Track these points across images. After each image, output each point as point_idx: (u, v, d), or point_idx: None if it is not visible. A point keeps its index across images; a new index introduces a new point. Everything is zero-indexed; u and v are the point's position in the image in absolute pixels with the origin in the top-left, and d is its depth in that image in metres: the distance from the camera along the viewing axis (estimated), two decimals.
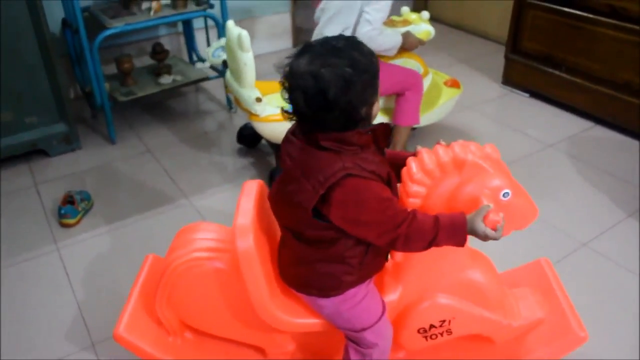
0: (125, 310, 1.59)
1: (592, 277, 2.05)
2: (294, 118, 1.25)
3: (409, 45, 2.50)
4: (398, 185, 1.37)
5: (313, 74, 1.15)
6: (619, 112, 2.94)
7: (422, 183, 1.31)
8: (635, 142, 2.90)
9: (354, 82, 1.16)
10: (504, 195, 1.29)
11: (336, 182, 1.17)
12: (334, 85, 1.14)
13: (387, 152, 1.38)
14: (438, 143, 1.35)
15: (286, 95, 1.21)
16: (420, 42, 2.57)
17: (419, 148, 1.37)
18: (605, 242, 2.22)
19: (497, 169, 1.30)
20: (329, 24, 2.40)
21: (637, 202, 2.44)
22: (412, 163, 1.33)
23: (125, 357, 1.62)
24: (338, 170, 1.18)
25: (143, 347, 1.56)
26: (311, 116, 1.19)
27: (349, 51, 1.18)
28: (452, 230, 1.23)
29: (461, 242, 1.25)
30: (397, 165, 1.36)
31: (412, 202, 1.33)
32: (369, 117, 1.24)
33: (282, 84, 1.21)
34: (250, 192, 1.44)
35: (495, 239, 1.23)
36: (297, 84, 1.17)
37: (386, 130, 1.29)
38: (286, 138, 1.30)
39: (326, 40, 1.20)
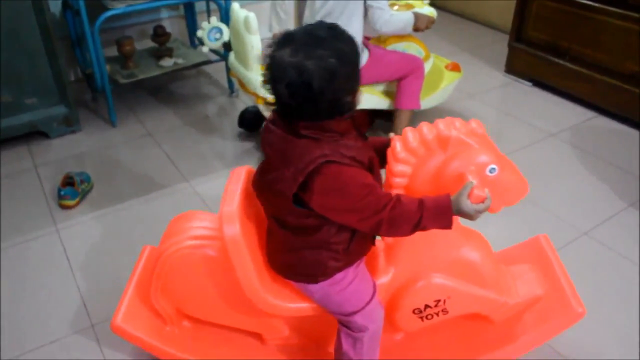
0: (123, 301, 1.59)
1: (593, 266, 2.05)
2: (276, 108, 1.25)
3: (420, 23, 2.50)
4: (384, 170, 1.36)
5: (297, 66, 1.13)
6: (623, 102, 2.92)
7: (407, 162, 1.30)
8: (637, 133, 2.89)
9: (338, 73, 1.15)
10: (490, 170, 1.27)
11: (315, 169, 1.17)
12: (318, 77, 1.13)
13: (368, 139, 1.37)
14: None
15: (268, 86, 1.20)
16: (431, 21, 2.56)
17: (392, 135, 1.37)
18: (606, 231, 2.22)
19: (482, 144, 1.29)
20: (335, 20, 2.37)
21: (638, 192, 2.43)
22: (396, 142, 1.32)
23: (125, 340, 1.61)
24: (317, 157, 1.17)
25: (141, 336, 1.57)
26: (295, 107, 1.18)
27: (333, 41, 1.17)
28: (437, 212, 1.22)
29: (447, 224, 1.24)
30: (378, 150, 1.36)
31: (398, 182, 1.32)
32: (353, 105, 1.24)
33: (264, 75, 1.20)
34: (238, 178, 1.43)
35: (482, 212, 1.23)
36: (280, 76, 1.15)
37: (365, 117, 1.29)
38: (266, 127, 1.29)
39: (309, 30, 1.19)
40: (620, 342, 1.76)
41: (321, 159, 1.17)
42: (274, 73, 1.17)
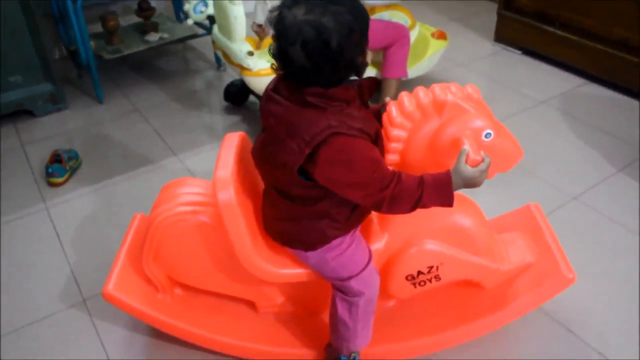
0: (114, 269, 1.59)
1: (582, 229, 2.06)
2: (285, 73, 1.19)
3: None
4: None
5: (314, 24, 1.08)
6: (612, 68, 2.91)
7: (403, 126, 1.29)
8: (626, 99, 2.88)
9: (354, 30, 1.11)
10: (486, 135, 1.27)
11: (323, 140, 1.14)
12: (337, 34, 1.09)
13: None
14: None
15: (277, 50, 1.14)
16: None
17: (388, 99, 1.35)
18: (595, 195, 2.23)
19: (478, 109, 1.28)
20: None
21: (627, 158, 2.44)
22: (392, 107, 1.31)
23: (116, 312, 1.62)
24: (324, 128, 1.14)
25: (132, 304, 1.56)
26: (310, 69, 1.13)
27: None
28: (437, 188, 1.21)
29: (448, 201, 1.22)
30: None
31: (394, 147, 1.31)
32: (364, 65, 1.21)
33: (274, 37, 1.14)
34: (231, 144, 1.41)
35: (485, 171, 1.22)
36: (294, 37, 1.10)
37: (372, 84, 1.26)
38: (267, 96, 1.24)
39: None
40: (610, 303, 1.78)
41: (328, 131, 1.13)
42: (286, 34, 1.10)
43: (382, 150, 1.28)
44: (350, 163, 1.17)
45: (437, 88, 1.29)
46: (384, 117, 1.32)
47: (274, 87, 1.24)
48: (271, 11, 1.16)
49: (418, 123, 1.29)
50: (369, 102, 1.31)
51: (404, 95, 1.31)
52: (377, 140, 1.24)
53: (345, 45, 1.11)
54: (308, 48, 1.10)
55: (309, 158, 1.17)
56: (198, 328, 1.59)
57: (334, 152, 1.15)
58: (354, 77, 1.23)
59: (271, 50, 1.17)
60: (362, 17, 1.15)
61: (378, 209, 1.24)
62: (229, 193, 1.30)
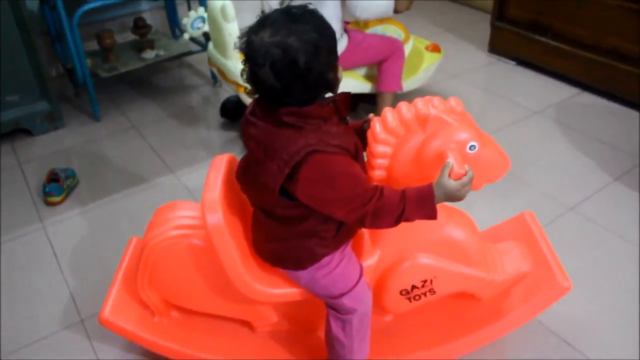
0: (110, 294, 1.59)
1: (579, 239, 2.07)
2: (257, 95, 1.22)
3: (400, 5, 2.49)
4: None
5: (280, 45, 1.11)
6: (606, 78, 2.93)
7: (387, 142, 1.30)
8: (621, 108, 2.90)
9: (321, 47, 1.14)
10: (470, 148, 1.27)
11: (301, 159, 1.15)
12: (304, 53, 1.11)
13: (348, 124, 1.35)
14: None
15: (248, 73, 1.17)
16: (411, 1, 2.55)
17: (371, 116, 1.36)
18: (592, 205, 2.23)
19: (462, 122, 1.28)
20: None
21: (623, 167, 2.44)
22: (376, 123, 1.31)
23: (114, 333, 1.61)
24: (302, 147, 1.15)
25: (129, 329, 1.56)
26: (281, 89, 1.15)
27: (310, 17, 1.16)
28: (419, 201, 1.21)
29: (431, 214, 1.22)
30: (356, 133, 1.34)
31: (379, 163, 1.31)
32: (336, 81, 1.23)
33: (244, 62, 1.17)
34: (219, 166, 1.42)
35: (467, 185, 1.22)
36: (263, 59, 1.12)
37: (347, 99, 1.27)
38: (245, 120, 1.27)
39: (283, 10, 1.17)
40: (606, 314, 1.78)
41: (306, 149, 1.15)
42: (255, 57, 1.14)
43: (363, 165, 1.29)
44: (331, 180, 1.18)
45: (419, 102, 1.29)
46: (368, 133, 1.33)
47: (251, 111, 1.26)
48: (240, 37, 1.18)
49: (402, 138, 1.30)
50: (347, 118, 1.32)
51: (387, 111, 1.31)
52: (357, 155, 1.24)
53: (313, 63, 1.13)
54: (276, 68, 1.12)
55: (288, 178, 1.18)
56: (196, 350, 1.59)
57: (314, 170, 1.16)
58: (329, 94, 1.25)
59: (244, 75, 1.20)
60: (328, 34, 1.17)
61: (362, 224, 1.24)
62: (218, 216, 1.30)
